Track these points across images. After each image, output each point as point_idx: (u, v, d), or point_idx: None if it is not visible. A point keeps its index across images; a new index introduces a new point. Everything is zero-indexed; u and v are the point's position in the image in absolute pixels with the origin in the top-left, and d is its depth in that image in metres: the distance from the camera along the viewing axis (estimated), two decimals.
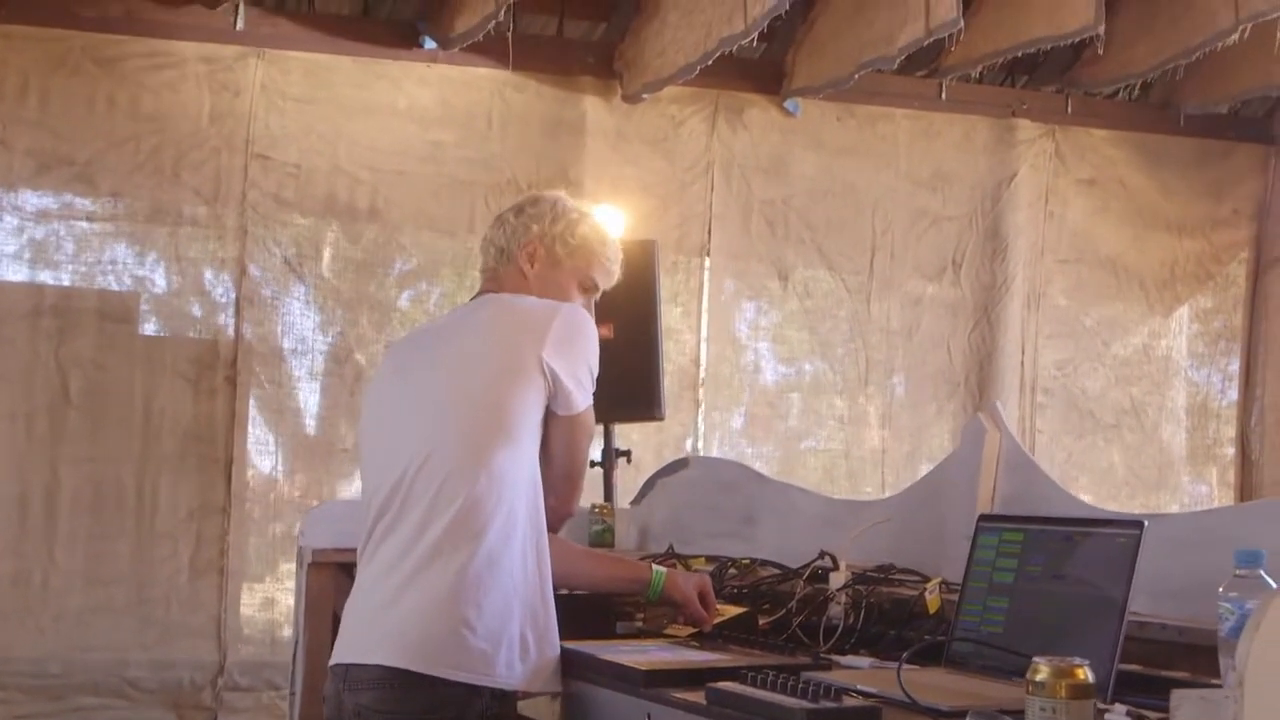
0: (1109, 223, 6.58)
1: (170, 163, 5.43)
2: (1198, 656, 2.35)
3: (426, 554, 2.69)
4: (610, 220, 5.27)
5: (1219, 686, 1.98)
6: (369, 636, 2.73)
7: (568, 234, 2.95)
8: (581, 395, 2.83)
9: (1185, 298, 6.73)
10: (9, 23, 5.27)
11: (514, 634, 2.68)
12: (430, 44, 5.67)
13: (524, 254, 2.94)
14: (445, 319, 3.19)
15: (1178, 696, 1.75)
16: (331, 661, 2.82)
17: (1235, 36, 5.21)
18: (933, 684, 2.29)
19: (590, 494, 5.23)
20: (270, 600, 5.54)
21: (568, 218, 2.97)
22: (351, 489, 5.67)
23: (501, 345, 2.79)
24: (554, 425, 2.83)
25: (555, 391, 2.78)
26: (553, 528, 2.85)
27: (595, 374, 2.86)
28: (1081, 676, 1.77)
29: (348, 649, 2.78)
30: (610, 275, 3.02)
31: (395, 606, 2.70)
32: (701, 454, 5.87)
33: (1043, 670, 1.78)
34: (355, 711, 2.72)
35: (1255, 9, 5.05)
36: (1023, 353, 6.43)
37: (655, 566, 3.08)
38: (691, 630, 2.98)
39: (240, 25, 5.49)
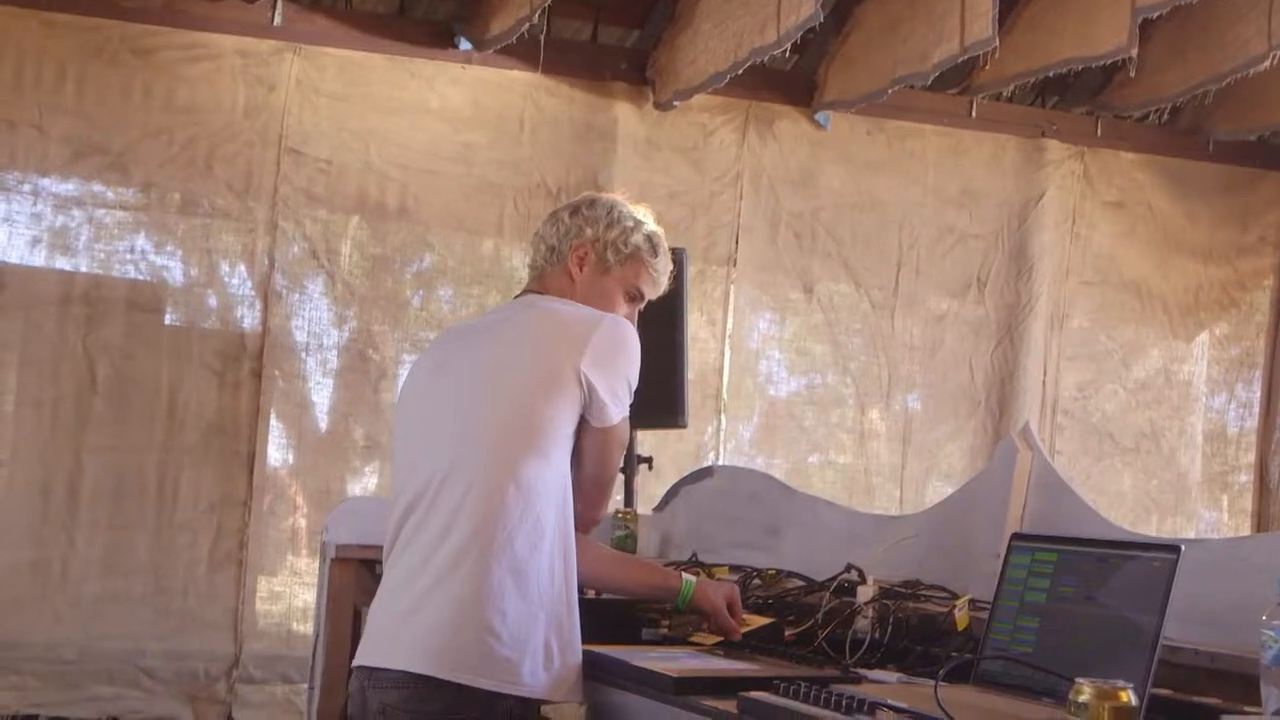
0: (1134, 246, 6.58)
1: (203, 155, 5.45)
2: (1228, 683, 2.36)
3: (451, 560, 2.69)
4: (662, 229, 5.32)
5: (1258, 714, 1.98)
6: (394, 641, 2.74)
7: (620, 241, 2.93)
8: (617, 408, 2.83)
9: (1207, 323, 6.72)
10: (50, 10, 5.30)
11: (539, 643, 2.69)
12: (465, 45, 5.68)
13: (574, 256, 2.92)
14: (486, 318, 3.17)
15: None
16: (356, 662, 2.83)
17: (1268, 64, 5.20)
18: (964, 702, 2.30)
19: (612, 500, 5.28)
20: (284, 594, 5.55)
21: (623, 224, 2.94)
22: (362, 486, 5.69)
23: (540, 353, 2.77)
24: (587, 435, 2.83)
25: (590, 403, 2.78)
26: (581, 531, 2.85)
27: (634, 387, 2.86)
28: (1125, 699, 1.77)
29: (372, 652, 2.79)
30: (658, 286, 3.01)
31: (420, 612, 2.70)
32: (719, 463, 5.88)
33: (1086, 692, 1.78)
34: (380, 709, 2.73)
35: None
36: (1044, 373, 6.43)
37: (685, 575, 3.08)
38: (718, 639, 2.99)
39: (278, 20, 5.51)
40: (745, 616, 3.06)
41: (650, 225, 2.99)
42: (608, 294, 2.93)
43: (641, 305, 3.01)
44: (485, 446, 2.74)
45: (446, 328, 3.18)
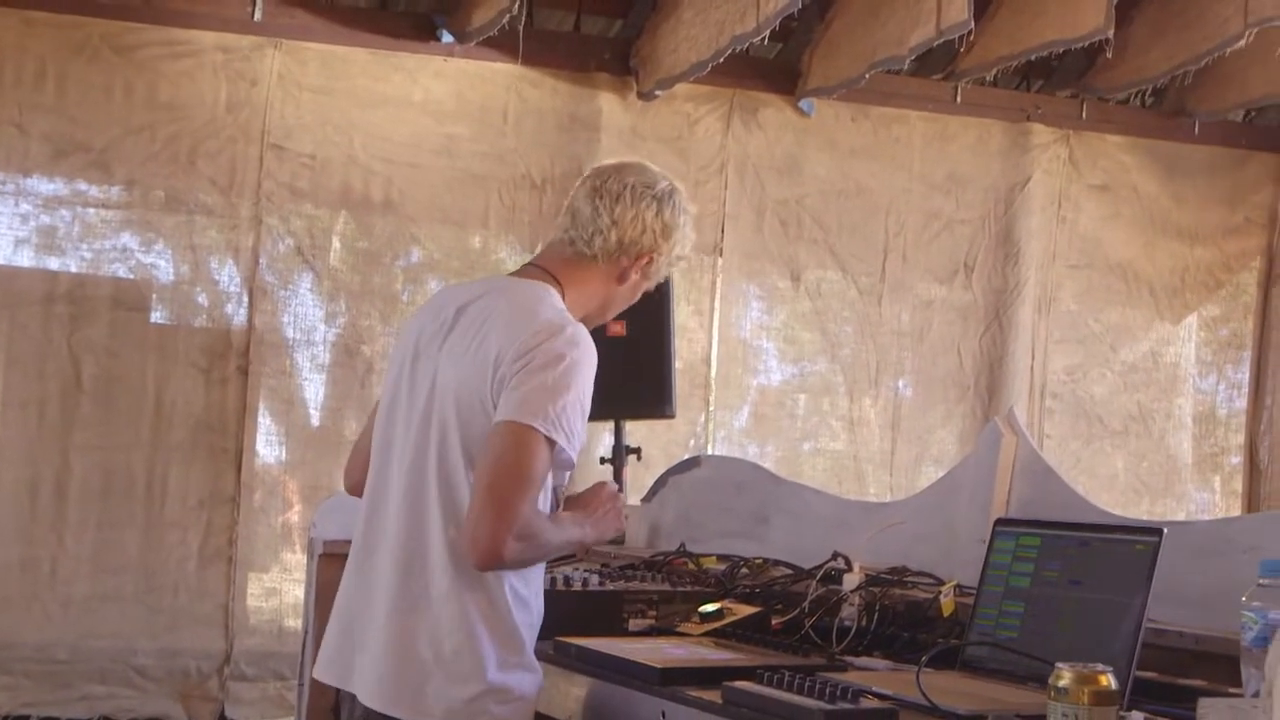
0: (1121, 229, 6.58)
1: (185, 151, 5.44)
2: (1213, 665, 2.36)
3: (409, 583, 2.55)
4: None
5: (1240, 695, 1.98)
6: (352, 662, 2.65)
7: (680, 251, 2.73)
8: (519, 409, 2.45)
9: (1195, 305, 6.73)
10: (29, 8, 5.28)
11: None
12: (447, 38, 5.67)
13: (639, 265, 2.67)
14: (484, 295, 2.69)
15: (1205, 705, 1.75)
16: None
17: (1243, 42, 5.21)
18: (949, 687, 2.29)
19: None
20: (276, 590, 5.55)
21: (686, 236, 2.72)
22: None
23: (485, 367, 2.52)
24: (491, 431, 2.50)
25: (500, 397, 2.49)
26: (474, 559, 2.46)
27: (564, 405, 2.46)
28: (1105, 683, 1.77)
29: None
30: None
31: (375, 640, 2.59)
32: (708, 453, 5.88)
33: (1066, 676, 1.78)
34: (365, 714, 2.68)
35: (1264, 14, 5.06)
36: (1032, 357, 6.43)
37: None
38: (705, 628, 2.98)
39: (258, 16, 5.49)
40: (731, 605, 3.06)
41: (694, 236, 2.79)
42: (634, 296, 2.76)
43: None
44: (433, 463, 2.56)
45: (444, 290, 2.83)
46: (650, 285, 2.76)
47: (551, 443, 2.43)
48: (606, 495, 2.74)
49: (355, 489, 2.81)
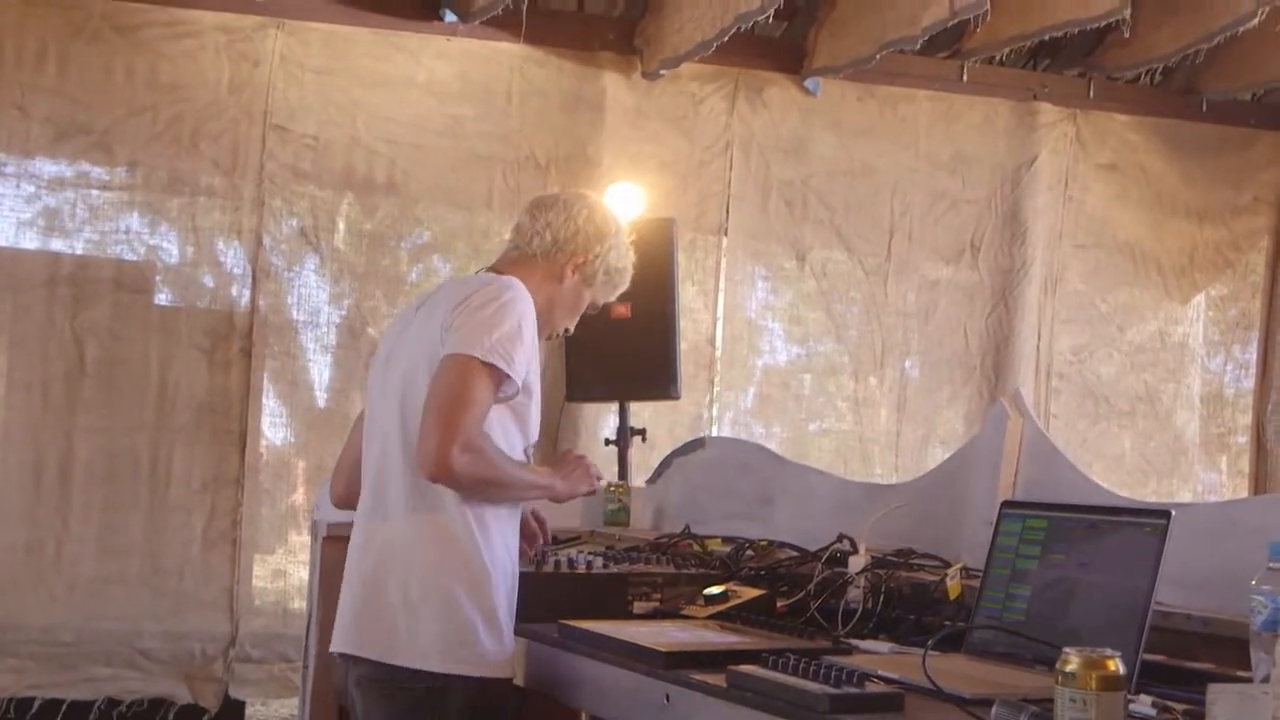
0: (1128, 208, 6.54)
1: (188, 132, 5.41)
2: (1222, 648, 2.34)
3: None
4: (629, 198, 5.29)
5: (1248, 679, 1.96)
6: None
7: (615, 263, 3.00)
8: (459, 341, 2.68)
9: (1203, 285, 6.70)
10: None
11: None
12: (450, 17, 5.64)
13: (573, 263, 2.95)
14: (438, 290, 3.01)
15: (1214, 691, 1.73)
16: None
17: (1256, 22, 5.16)
18: (955, 671, 2.28)
19: (605, 472, 5.26)
20: (281, 572, 5.54)
21: (619, 249, 3.00)
22: None
23: (435, 330, 2.77)
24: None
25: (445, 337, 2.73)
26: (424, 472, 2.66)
27: (501, 336, 2.68)
28: (1113, 668, 1.75)
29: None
30: (610, 301, 3.08)
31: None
32: (714, 434, 5.86)
33: (1073, 661, 1.76)
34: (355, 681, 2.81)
35: None
36: (1039, 337, 6.40)
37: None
38: (710, 611, 2.97)
39: None
40: (736, 588, 3.05)
41: (633, 254, 3.05)
42: (578, 303, 3.01)
43: None
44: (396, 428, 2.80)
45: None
46: (590, 295, 3.00)
47: (491, 368, 2.65)
48: (574, 456, 2.99)
49: (340, 501, 3.08)
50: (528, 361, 2.73)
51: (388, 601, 2.71)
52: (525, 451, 2.84)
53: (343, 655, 2.82)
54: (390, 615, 2.70)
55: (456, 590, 2.69)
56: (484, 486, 2.70)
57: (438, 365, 2.68)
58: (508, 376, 2.68)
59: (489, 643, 2.70)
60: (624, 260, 3.01)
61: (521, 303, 2.76)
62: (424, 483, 2.68)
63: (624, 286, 3.05)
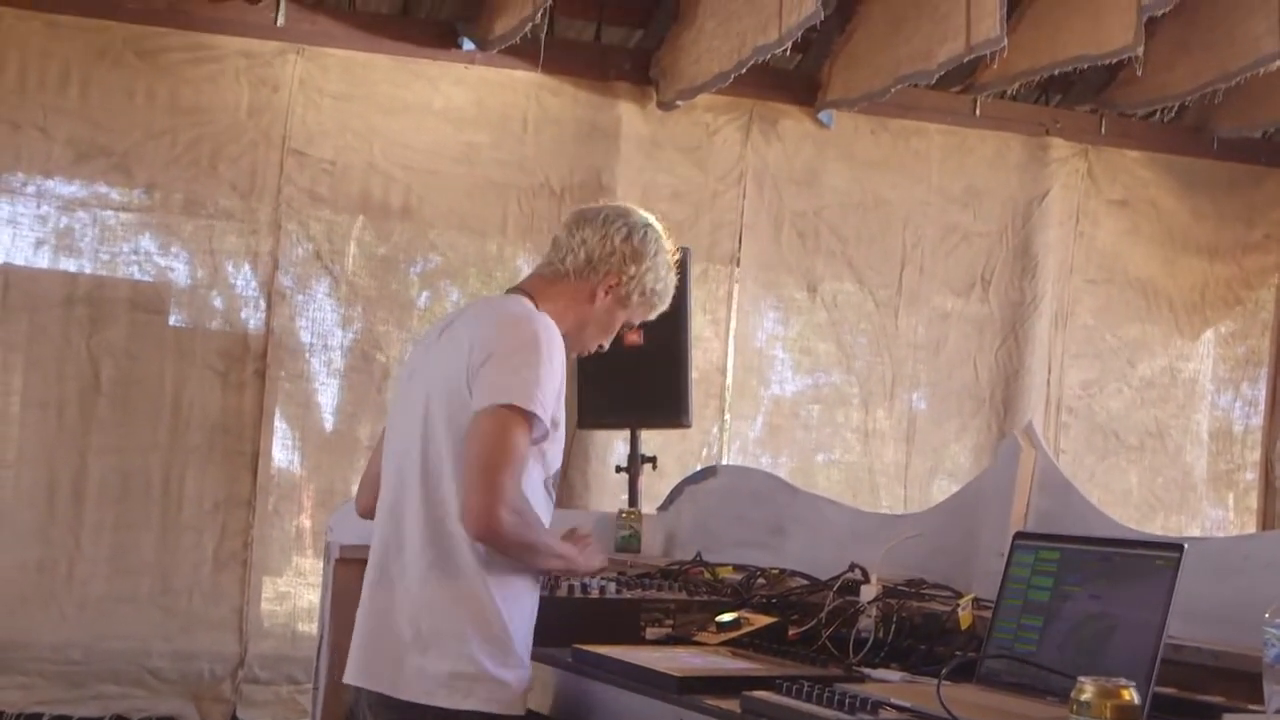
0: (1139, 244, 6.57)
1: (207, 156, 5.45)
2: (1233, 681, 2.36)
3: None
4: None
5: (1260, 712, 1.98)
6: None
7: (652, 284, 2.92)
8: (490, 394, 2.66)
9: (1213, 321, 6.72)
10: (53, 11, 5.30)
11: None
12: (468, 45, 5.68)
13: (607, 284, 2.89)
14: (465, 311, 3.01)
15: None
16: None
17: (1279, 62, 5.19)
18: (967, 700, 2.29)
19: (616, 499, 5.28)
20: (290, 595, 5.55)
21: (657, 271, 2.92)
22: None
23: (461, 357, 2.75)
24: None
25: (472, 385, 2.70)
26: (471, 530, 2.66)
27: (535, 380, 2.67)
28: (1127, 698, 1.77)
29: None
30: (648, 319, 3.03)
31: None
32: (722, 462, 5.88)
33: (1088, 690, 1.78)
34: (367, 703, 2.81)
35: None
36: (1048, 371, 6.42)
37: None
38: (722, 638, 2.99)
39: (281, 21, 5.51)
40: (748, 615, 3.06)
41: (674, 273, 2.98)
42: (611, 324, 2.95)
43: None
44: (418, 463, 2.79)
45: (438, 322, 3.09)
46: (625, 315, 2.94)
47: (528, 417, 2.63)
48: (581, 535, 2.96)
49: (365, 513, 3.01)
50: (556, 400, 2.71)
51: (398, 637, 2.69)
52: (545, 484, 2.79)
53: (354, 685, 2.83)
54: (399, 650, 2.69)
55: (467, 628, 2.66)
56: (521, 550, 2.68)
57: (475, 413, 2.64)
58: (539, 419, 2.66)
59: (498, 679, 2.67)
60: (662, 282, 2.93)
61: (548, 339, 2.70)
62: (438, 515, 2.69)
63: (663, 307, 2.99)
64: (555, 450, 2.80)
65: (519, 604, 2.73)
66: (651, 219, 2.98)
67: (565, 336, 2.82)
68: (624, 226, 2.91)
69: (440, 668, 2.65)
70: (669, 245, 2.97)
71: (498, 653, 2.67)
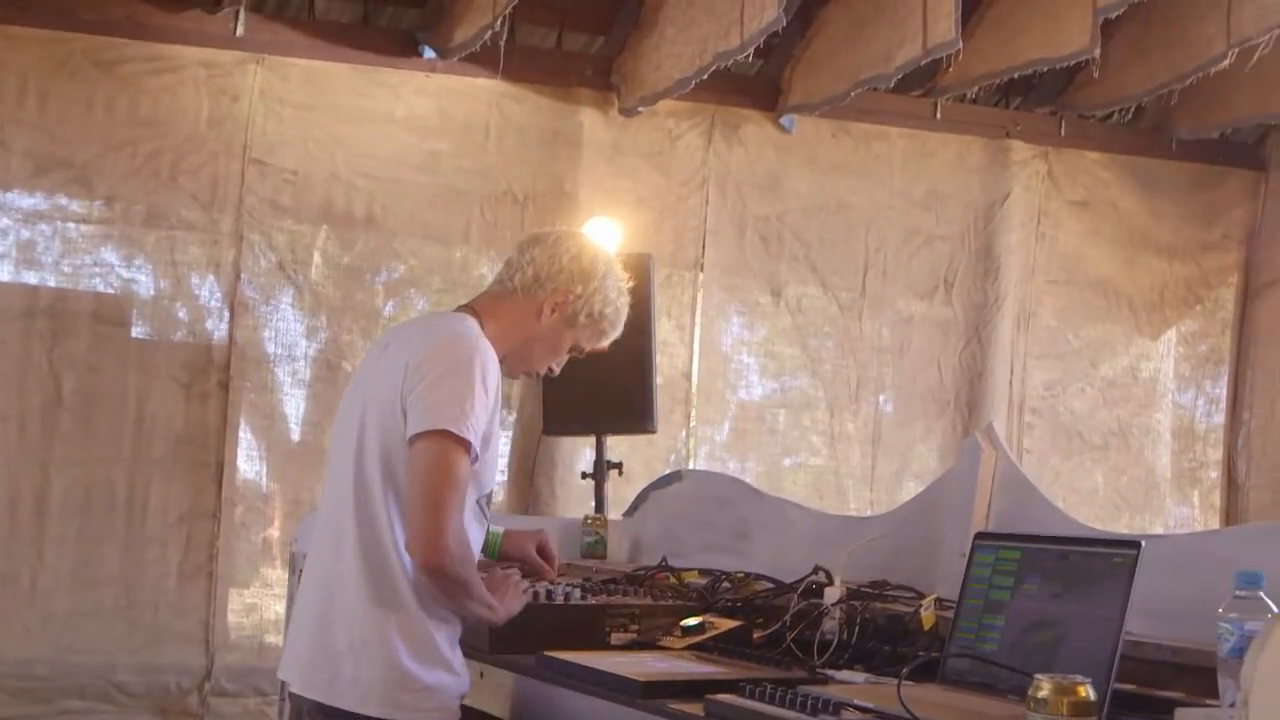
0: (1100, 245, 6.61)
1: (167, 167, 5.43)
2: (1191, 676, 2.37)
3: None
4: (605, 234, 5.32)
5: (1216, 706, 2.00)
6: None
7: (600, 307, 2.95)
8: (422, 419, 2.70)
9: (1174, 321, 6.76)
10: (10, 24, 5.26)
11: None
12: (429, 53, 5.68)
13: (553, 300, 2.92)
14: (409, 326, 3.16)
15: (1182, 716, 1.77)
16: None
17: (1227, 62, 5.24)
18: (929, 700, 2.31)
19: (582, 505, 5.28)
20: (256, 606, 5.53)
21: (606, 293, 2.95)
22: None
23: (396, 375, 2.78)
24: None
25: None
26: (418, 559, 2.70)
27: (465, 408, 2.69)
28: (1083, 694, 1.79)
29: None
30: (600, 346, 3.04)
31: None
32: (689, 467, 5.88)
33: (1045, 687, 1.80)
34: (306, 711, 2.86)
35: (1244, 34, 5.08)
36: (1012, 373, 6.45)
37: (491, 527, 3.12)
38: (687, 642, 2.99)
39: (240, 31, 5.49)
40: (713, 619, 3.07)
41: (626, 299, 3.01)
42: (558, 344, 2.98)
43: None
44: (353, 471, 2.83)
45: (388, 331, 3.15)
46: (573, 336, 2.96)
47: (466, 444, 2.66)
48: (500, 576, 2.97)
49: None
50: (489, 420, 2.74)
51: (335, 646, 2.75)
52: (479, 503, 2.84)
53: (293, 693, 2.87)
54: (336, 660, 2.74)
55: (395, 639, 2.71)
56: (456, 587, 2.72)
57: (413, 438, 2.68)
58: (471, 445, 2.69)
59: (429, 686, 2.73)
60: (610, 306, 2.96)
61: (481, 360, 2.73)
62: (369, 527, 2.74)
63: (614, 334, 3.02)
64: (488, 471, 2.85)
65: (446, 616, 2.78)
66: (603, 247, 3.05)
67: (510, 355, 2.88)
68: (572, 246, 2.97)
69: (373, 676, 2.71)
70: (621, 273, 3.01)
71: (427, 660, 2.74)
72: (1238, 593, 2.03)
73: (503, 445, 5.59)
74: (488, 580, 2.88)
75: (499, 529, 3.18)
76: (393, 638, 2.71)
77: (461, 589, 2.74)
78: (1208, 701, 2.13)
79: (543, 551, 3.19)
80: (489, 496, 2.90)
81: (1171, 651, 2.44)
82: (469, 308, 2.94)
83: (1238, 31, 5.09)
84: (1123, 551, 2.38)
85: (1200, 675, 2.29)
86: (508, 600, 2.90)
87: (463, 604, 2.78)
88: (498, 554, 3.15)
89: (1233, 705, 1.85)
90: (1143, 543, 2.35)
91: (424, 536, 2.65)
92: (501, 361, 2.82)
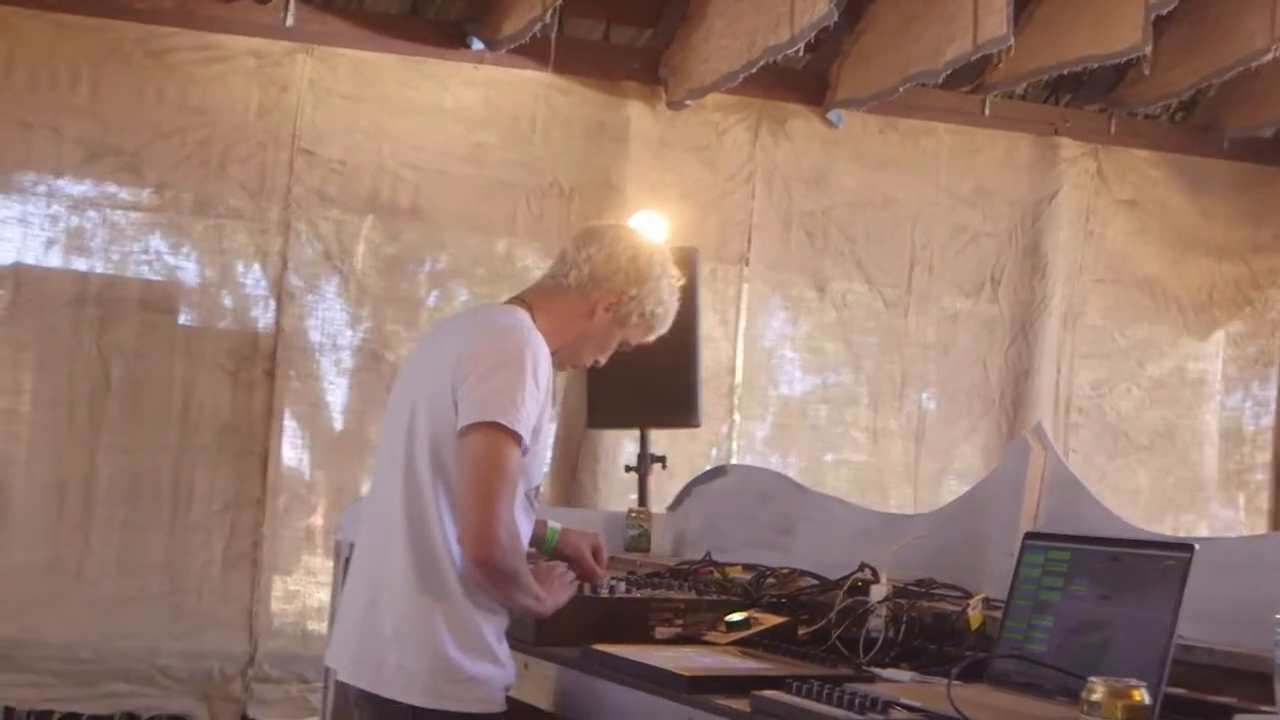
0: (1148, 244, 6.56)
1: (216, 155, 5.46)
2: (1243, 682, 2.35)
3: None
4: (651, 228, 5.32)
5: (1273, 713, 1.98)
6: None
7: (651, 308, 2.95)
8: (474, 411, 2.70)
9: (1222, 321, 6.71)
10: (63, 12, 5.31)
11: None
12: (477, 45, 5.69)
13: (606, 301, 2.92)
14: (459, 317, 3.17)
15: None
16: None
17: (1270, 55, 5.18)
18: (977, 700, 2.29)
19: (625, 499, 5.29)
20: (299, 594, 5.56)
21: (659, 295, 2.95)
22: None
23: (446, 367, 2.78)
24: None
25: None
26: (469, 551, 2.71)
27: (517, 401, 2.70)
28: (1138, 698, 1.77)
29: None
30: (646, 340, 3.04)
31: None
32: (731, 462, 5.88)
33: (1099, 690, 1.78)
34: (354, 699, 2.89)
35: None
36: (1058, 372, 6.41)
37: (550, 523, 3.14)
38: (731, 637, 2.99)
39: (290, 21, 5.52)
40: (759, 615, 3.06)
41: (677, 298, 3.01)
42: (608, 341, 2.98)
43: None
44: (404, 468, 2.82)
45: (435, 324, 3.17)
46: (623, 334, 2.97)
47: (517, 436, 2.66)
48: (546, 567, 2.97)
49: None
50: (539, 413, 2.75)
51: (382, 634, 2.76)
52: (527, 495, 2.83)
53: (340, 680, 2.88)
54: (382, 647, 2.75)
55: (441, 629, 2.72)
56: (506, 580, 2.73)
57: (464, 429, 2.68)
58: (522, 436, 2.70)
59: (474, 679, 2.73)
60: (662, 305, 2.96)
61: (533, 353, 2.73)
62: (418, 518, 2.74)
63: (662, 330, 3.01)
64: (536, 464, 2.86)
65: (493, 607, 2.78)
66: (659, 244, 3.04)
67: (561, 350, 2.88)
68: (629, 247, 2.96)
69: (417, 666, 2.72)
70: (674, 271, 3.01)
71: (472, 651, 2.74)
72: None
73: (548, 438, 5.59)
74: (534, 572, 2.88)
75: (557, 525, 3.17)
76: (439, 628, 2.72)
77: (511, 580, 2.74)
78: (1262, 709, 2.10)
79: (596, 555, 3.18)
80: (537, 489, 2.91)
81: (1224, 656, 2.41)
82: (520, 300, 2.94)
83: None
84: (1175, 554, 2.35)
85: (1252, 681, 2.26)
86: (555, 592, 2.90)
87: (511, 595, 2.78)
88: (552, 551, 3.14)
89: None
90: (1196, 545, 2.33)
91: (475, 529, 2.66)
92: (551, 355, 2.82)
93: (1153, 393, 6.59)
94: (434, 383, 2.77)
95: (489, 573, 2.70)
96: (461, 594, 2.73)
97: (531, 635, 2.95)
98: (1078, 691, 1.85)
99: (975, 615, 2.79)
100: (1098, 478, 6.30)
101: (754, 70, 5.33)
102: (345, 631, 2.89)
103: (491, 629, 2.78)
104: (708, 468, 5.00)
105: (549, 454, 5.67)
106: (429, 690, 2.71)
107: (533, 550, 3.07)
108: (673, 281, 2.99)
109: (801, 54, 5.90)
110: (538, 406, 2.73)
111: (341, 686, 2.89)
